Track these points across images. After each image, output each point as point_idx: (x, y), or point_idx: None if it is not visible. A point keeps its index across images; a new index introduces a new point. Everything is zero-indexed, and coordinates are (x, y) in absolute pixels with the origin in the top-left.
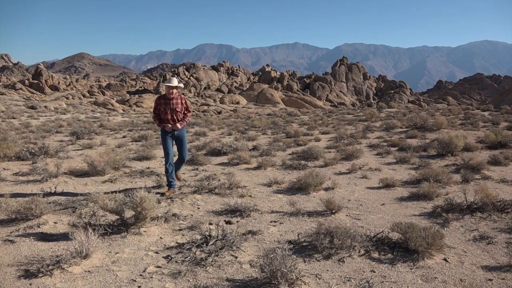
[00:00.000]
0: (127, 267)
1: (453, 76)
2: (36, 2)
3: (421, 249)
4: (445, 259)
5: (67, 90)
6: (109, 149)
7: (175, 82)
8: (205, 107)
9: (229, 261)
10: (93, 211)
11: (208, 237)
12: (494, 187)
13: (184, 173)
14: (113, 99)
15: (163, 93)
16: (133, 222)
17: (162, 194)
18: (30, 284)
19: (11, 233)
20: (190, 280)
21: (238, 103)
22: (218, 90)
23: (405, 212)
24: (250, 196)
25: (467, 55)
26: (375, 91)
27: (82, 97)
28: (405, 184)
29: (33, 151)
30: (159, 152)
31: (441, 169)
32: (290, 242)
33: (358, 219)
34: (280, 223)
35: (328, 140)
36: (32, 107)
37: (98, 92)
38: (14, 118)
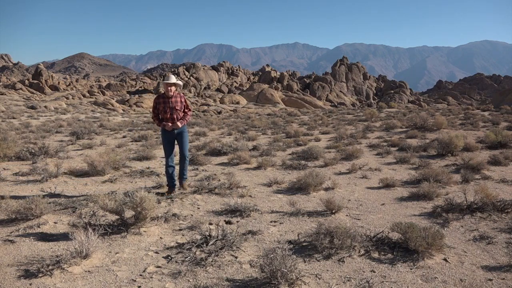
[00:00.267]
0: (127, 267)
1: (453, 76)
2: (36, 2)
3: (421, 249)
4: (445, 259)
5: (67, 90)
6: (109, 149)
7: (173, 79)
8: (205, 107)
9: (229, 261)
10: (93, 211)
11: (208, 237)
12: (494, 187)
13: (184, 175)
14: (113, 99)
15: (162, 92)
16: (133, 222)
17: (162, 194)
18: (30, 284)
19: (11, 233)
20: (190, 280)
21: (238, 103)
22: (218, 90)
23: (405, 212)
24: (250, 196)
25: (467, 55)
26: (375, 91)
27: (82, 97)
28: (405, 184)
29: (33, 151)
30: (159, 152)
31: (441, 169)
32: (290, 242)
33: (358, 219)
34: (280, 223)
35: (328, 140)
36: (32, 107)
37: (98, 92)
38: (14, 118)
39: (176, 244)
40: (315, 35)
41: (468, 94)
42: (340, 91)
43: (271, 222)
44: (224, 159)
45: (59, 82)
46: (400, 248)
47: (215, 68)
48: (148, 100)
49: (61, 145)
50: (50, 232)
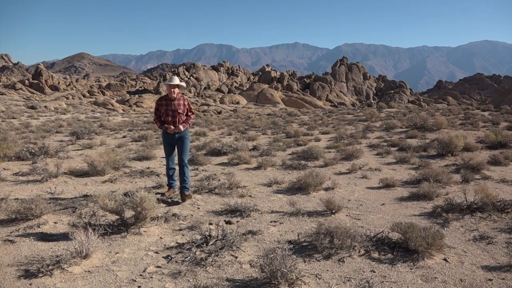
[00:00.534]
0: (127, 267)
1: (453, 76)
2: (36, 2)
3: (421, 249)
4: (445, 259)
5: (67, 90)
6: (109, 149)
7: (176, 80)
8: (205, 107)
9: (229, 261)
10: (93, 211)
11: (208, 237)
12: (494, 187)
13: (185, 186)
14: (113, 99)
15: (164, 94)
16: (133, 222)
17: (162, 194)
18: (30, 284)
19: (11, 233)
20: (190, 280)
21: (238, 103)
22: (218, 90)
23: (405, 212)
24: (250, 196)
25: (467, 55)
26: (375, 91)
27: (82, 97)
28: (405, 184)
29: (33, 151)
30: (159, 152)
31: (441, 169)
32: (290, 242)
33: (358, 219)
34: (280, 223)
35: (328, 140)
36: (32, 107)
37: (98, 92)
38: (14, 118)
39: (176, 244)
40: (315, 35)
41: (468, 94)
42: (340, 91)
43: (271, 222)
44: (224, 159)
45: (59, 82)
46: (400, 248)
47: (215, 68)
48: (148, 100)
49: (61, 145)
50: (50, 232)
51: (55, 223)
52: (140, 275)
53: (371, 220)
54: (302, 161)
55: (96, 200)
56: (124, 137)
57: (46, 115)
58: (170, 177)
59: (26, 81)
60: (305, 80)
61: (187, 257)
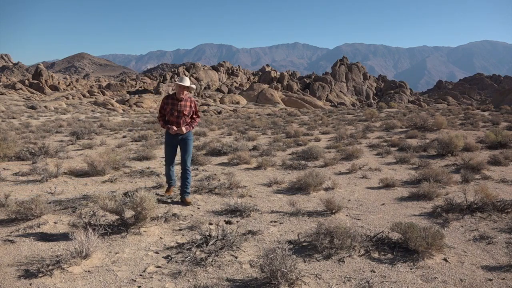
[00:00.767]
0: (127, 267)
1: (453, 76)
2: (36, 2)
3: (421, 249)
4: (445, 259)
5: (67, 90)
6: (109, 149)
7: (187, 82)
8: (205, 107)
9: (229, 261)
10: (93, 211)
11: (208, 237)
12: (494, 187)
13: (186, 190)
14: (113, 99)
15: (171, 92)
16: (133, 222)
17: (163, 195)
18: (30, 284)
19: (11, 233)
20: (190, 280)
21: (238, 103)
22: (218, 90)
23: (405, 212)
24: (250, 196)
25: (467, 55)
26: (375, 91)
27: (82, 97)
28: (405, 184)
29: (33, 151)
30: (159, 152)
31: (441, 169)
32: (290, 242)
33: (358, 219)
34: (280, 223)
35: (328, 140)
36: (32, 107)
37: (98, 92)
38: (14, 118)
39: (176, 244)
40: (315, 35)
41: (468, 94)
42: (340, 91)
43: (271, 222)
44: (224, 159)
45: (59, 82)
46: (400, 248)
47: (215, 68)
48: (148, 100)
49: (61, 145)
50: (50, 232)
51: (55, 223)
52: (140, 275)
53: (371, 220)
54: (302, 161)
55: (96, 200)
56: (124, 137)
57: (46, 115)
58: (169, 176)
59: (26, 81)
60: (305, 80)
61: (187, 257)
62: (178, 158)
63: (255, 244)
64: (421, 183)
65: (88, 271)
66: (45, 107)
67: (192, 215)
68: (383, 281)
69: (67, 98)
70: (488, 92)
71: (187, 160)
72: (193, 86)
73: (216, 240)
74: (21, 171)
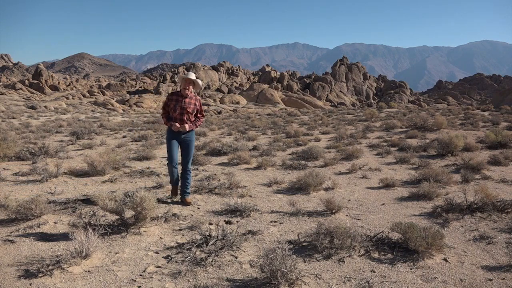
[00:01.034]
0: (127, 267)
1: (453, 76)
2: (36, 2)
3: (421, 249)
4: (445, 259)
5: (67, 90)
6: (109, 149)
7: (192, 75)
8: (205, 107)
9: (229, 261)
10: (93, 211)
11: (208, 237)
12: (494, 187)
13: (186, 190)
14: (113, 99)
15: (178, 89)
16: (133, 222)
17: (166, 198)
18: (30, 284)
19: (11, 233)
20: (190, 280)
21: (238, 103)
22: (218, 90)
23: (405, 212)
24: (250, 196)
25: (467, 55)
26: (375, 91)
27: (82, 97)
28: (405, 184)
29: (33, 151)
30: (159, 152)
31: (441, 169)
32: (290, 242)
33: (358, 219)
34: (280, 223)
35: (328, 140)
36: (32, 107)
37: (98, 92)
38: (14, 118)
39: (176, 244)
40: (315, 35)
41: (468, 94)
42: (340, 91)
43: (271, 222)
44: (224, 159)
45: (59, 82)
46: (400, 248)
47: (215, 68)
48: (148, 100)
49: (61, 145)
50: (50, 232)
51: (55, 223)
52: (140, 275)
53: (371, 220)
54: (302, 161)
55: (96, 200)
56: (124, 137)
57: (46, 115)
58: (173, 176)
59: (26, 81)
60: (305, 80)
61: (187, 257)
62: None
63: (255, 244)
64: (421, 183)
65: (88, 271)
66: (45, 107)
67: (192, 215)
68: (383, 281)
69: (67, 98)
70: (488, 92)
71: (188, 161)
72: (200, 82)
73: (216, 240)
74: (21, 171)
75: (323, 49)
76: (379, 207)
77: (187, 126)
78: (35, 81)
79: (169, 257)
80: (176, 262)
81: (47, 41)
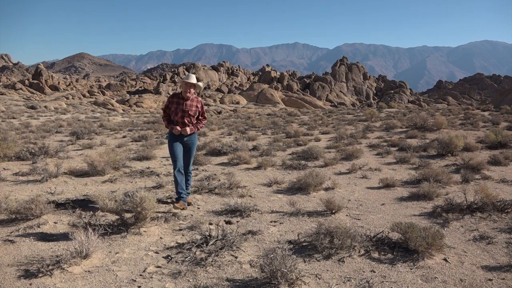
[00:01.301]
0: (127, 267)
1: (453, 76)
2: (36, 2)
3: (421, 249)
4: (445, 259)
5: (67, 90)
6: (109, 149)
7: (193, 79)
8: (205, 107)
9: (229, 261)
10: (93, 211)
11: (208, 237)
12: (494, 187)
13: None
14: (113, 99)
15: (179, 91)
16: (133, 222)
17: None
18: (30, 284)
19: (11, 233)
20: (190, 280)
21: (238, 103)
22: (218, 90)
23: (405, 212)
24: (250, 196)
25: (467, 55)
26: (375, 91)
27: (82, 97)
28: (405, 184)
29: (33, 151)
30: (159, 152)
31: (441, 169)
32: (290, 242)
33: (358, 219)
34: (280, 223)
35: (328, 140)
36: (32, 107)
37: (98, 92)
38: (14, 118)
39: (176, 244)
40: (315, 35)
41: (468, 94)
42: (340, 91)
43: (271, 222)
44: (224, 159)
45: (59, 82)
46: (400, 248)
47: (215, 68)
48: (148, 100)
49: (61, 145)
50: (50, 232)
51: (55, 223)
52: (140, 275)
53: (371, 220)
54: (302, 161)
55: (96, 200)
56: (124, 137)
57: (46, 115)
58: (178, 184)
59: (26, 81)
60: (305, 80)
61: (187, 257)
62: None
63: (255, 244)
64: (421, 183)
65: (88, 271)
66: (45, 107)
67: (192, 215)
68: (383, 281)
69: (67, 98)
70: (488, 92)
71: (189, 164)
72: (200, 84)
73: (216, 240)
74: (21, 171)
75: (323, 49)
76: (379, 207)
77: (188, 129)
78: (35, 81)
79: (169, 257)
80: (176, 262)
81: (47, 41)
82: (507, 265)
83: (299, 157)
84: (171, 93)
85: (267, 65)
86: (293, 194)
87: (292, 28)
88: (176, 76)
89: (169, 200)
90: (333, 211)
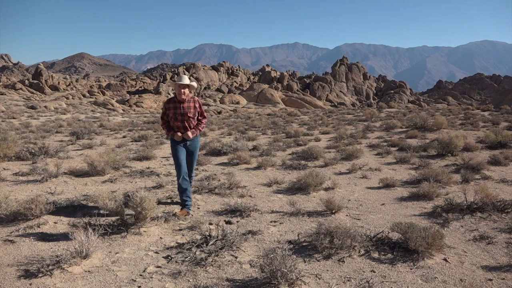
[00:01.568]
0: (127, 267)
1: (453, 76)
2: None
3: (421, 249)
4: (445, 259)
5: (67, 90)
6: (109, 149)
7: (186, 80)
8: (205, 107)
9: (229, 261)
10: (92, 211)
11: (208, 237)
12: (494, 187)
13: None
14: (113, 99)
15: (172, 95)
16: (133, 222)
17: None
18: (30, 284)
19: (11, 233)
20: (190, 280)
21: (238, 103)
22: (218, 90)
23: (405, 212)
24: (250, 196)
25: (467, 55)
26: (375, 91)
27: (82, 97)
28: (405, 184)
29: (33, 151)
30: (159, 152)
31: (441, 169)
32: (290, 242)
33: (358, 219)
34: (280, 223)
35: (328, 140)
36: (32, 107)
37: (98, 92)
38: (14, 118)
39: (176, 244)
40: (315, 35)
41: (468, 94)
42: (340, 91)
43: (271, 222)
44: (224, 159)
45: (59, 82)
46: (400, 248)
47: (215, 68)
48: (148, 100)
49: (61, 145)
50: (50, 232)
51: (55, 223)
52: (140, 275)
53: (371, 220)
54: (302, 161)
55: (96, 200)
56: (124, 137)
57: (46, 115)
58: (182, 191)
59: (26, 81)
60: (305, 80)
61: (187, 257)
62: None
63: (255, 244)
64: (421, 183)
65: (88, 271)
66: (45, 107)
67: (192, 215)
68: (383, 281)
69: (67, 98)
70: (488, 92)
71: (192, 169)
72: (194, 84)
73: (216, 240)
74: (21, 171)
75: (323, 49)
76: (379, 207)
77: (189, 133)
78: (35, 81)
79: (169, 257)
80: (176, 262)
81: (47, 41)
82: (507, 265)
83: (299, 157)
84: (170, 95)
85: (267, 65)
86: (293, 194)
87: (292, 28)
88: (176, 76)
89: (169, 201)
90: (333, 211)
